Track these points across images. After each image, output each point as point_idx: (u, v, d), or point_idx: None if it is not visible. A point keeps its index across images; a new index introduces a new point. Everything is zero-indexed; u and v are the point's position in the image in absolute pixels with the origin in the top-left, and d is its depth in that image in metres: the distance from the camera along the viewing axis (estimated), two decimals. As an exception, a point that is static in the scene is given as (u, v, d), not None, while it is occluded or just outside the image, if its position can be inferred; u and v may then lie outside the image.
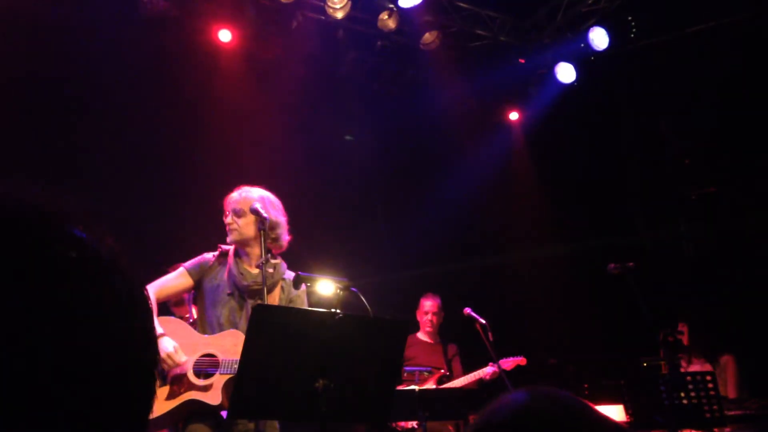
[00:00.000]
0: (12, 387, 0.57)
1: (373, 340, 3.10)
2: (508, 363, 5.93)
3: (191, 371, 3.55)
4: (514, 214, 8.37)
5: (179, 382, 3.56)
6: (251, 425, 3.47)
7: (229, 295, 3.76)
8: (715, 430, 4.44)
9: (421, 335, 6.41)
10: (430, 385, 5.81)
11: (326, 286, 3.36)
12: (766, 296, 6.52)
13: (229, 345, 3.58)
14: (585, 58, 7.63)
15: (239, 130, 6.92)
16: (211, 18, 6.75)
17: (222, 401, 3.49)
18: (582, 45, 7.47)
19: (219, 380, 3.52)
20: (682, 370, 5.45)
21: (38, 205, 0.66)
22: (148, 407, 0.68)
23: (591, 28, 7.40)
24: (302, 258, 4.34)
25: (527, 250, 8.05)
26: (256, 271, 3.78)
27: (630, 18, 7.27)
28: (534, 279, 8.09)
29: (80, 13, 6.04)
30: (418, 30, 7.26)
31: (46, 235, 0.64)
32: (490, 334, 5.73)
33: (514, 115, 8.44)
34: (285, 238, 3.87)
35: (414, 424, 5.46)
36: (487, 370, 5.89)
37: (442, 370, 6.06)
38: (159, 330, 3.57)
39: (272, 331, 2.87)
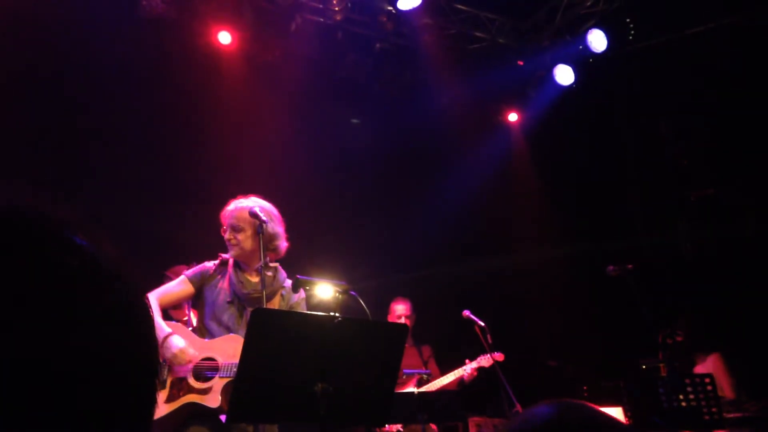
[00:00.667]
0: (13, 392, 0.57)
1: (372, 343, 3.10)
2: (485, 360, 5.93)
3: (191, 374, 3.57)
4: (513, 216, 8.37)
5: (179, 386, 3.58)
6: (250, 428, 3.48)
7: (228, 302, 3.81)
8: (714, 432, 4.44)
9: None
10: (411, 388, 5.80)
11: (325, 290, 3.37)
12: (765, 298, 6.52)
13: (228, 349, 3.60)
14: (583, 60, 7.64)
15: (239, 132, 6.92)
16: (210, 20, 6.75)
17: (221, 404, 3.50)
18: (580, 47, 7.47)
19: (218, 383, 3.54)
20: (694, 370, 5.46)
21: (38, 211, 0.66)
22: (150, 413, 0.69)
23: (589, 30, 7.40)
24: (301, 261, 4.35)
25: (526, 252, 8.06)
26: (255, 279, 3.83)
27: (628, 20, 7.28)
28: (533, 280, 8.09)
29: (79, 14, 6.04)
30: (417, 32, 7.26)
31: (46, 242, 0.65)
32: (489, 336, 5.74)
33: (513, 117, 8.45)
34: (283, 246, 3.91)
35: (399, 426, 5.47)
36: (465, 369, 5.90)
37: (429, 373, 6.06)
38: (167, 330, 3.60)
39: (271, 334, 2.87)
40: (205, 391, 3.54)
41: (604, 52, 7.41)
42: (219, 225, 3.93)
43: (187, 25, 6.66)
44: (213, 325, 3.77)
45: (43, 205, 0.66)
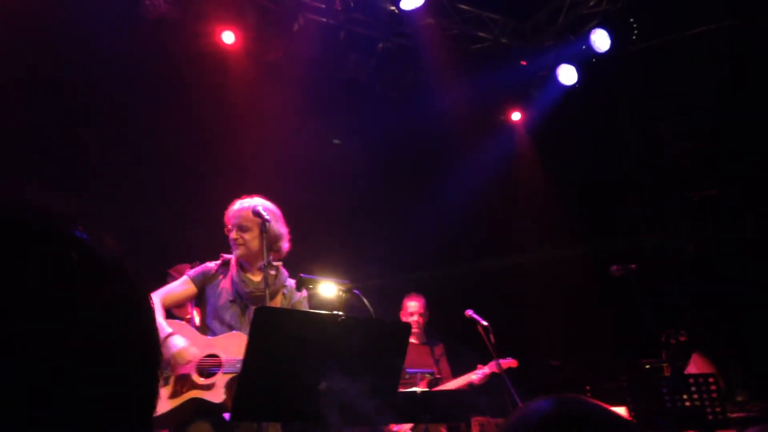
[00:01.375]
0: (14, 388, 0.57)
1: (375, 341, 3.10)
2: (497, 365, 5.89)
3: (194, 371, 3.59)
4: (516, 216, 8.37)
5: (182, 382, 3.60)
6: (253, 426, 3.49)
7: (231, 301, 3.85)
8: (718, 432, 4.43)
9: None
10: (420, 388, 5.79)
11: (328, 289, 3.37)
12: (766, 298, 6.51)
13: (231, 346, 3.63)
14: (587, 60, 7.63)
15: (242, 132, 6.93)
16: (212, 20, 6.75)
17: (225, 400, 3.52)
18: (584, 47, 7.46)
19: (222, 379, 3.57)
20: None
21: (40, 206, 0.66)
22: (151, 407, 0.69)
23: (593, 30, 7.39)
24: (304, 260, 4.35)
25: (529, 252, 8.05)
26: (258, 278, 3.86)
27: (632, 20, 7.27)
28: (536, 280, 8.09)
29: (81, 14, 6.04)
30: (420, 32, 7.26)
31: (48, 237, 0.65)
32: (492, 335, 5.74)
33: (516, 116, 8.43)
34: (285, 247, 3.94)
35: (407, 427, 5.46)
36: (477, 373, 5.86)
37: (432, 372, 6.04)
38: (169, 329, 3.62)
39: (274, 333, 2.87)
40: (208, 387, 3.57)
41: (607, 52, 7.40)
42: (221, 224, 3.95)
43: (190, 25, 6.67)
44: (216, 324, 3.81)
45: (44, 201, 0.65)
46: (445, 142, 7.91)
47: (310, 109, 7.19)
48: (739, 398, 5.62)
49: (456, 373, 6.15)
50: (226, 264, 3.95)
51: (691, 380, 4.35)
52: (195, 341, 3.70)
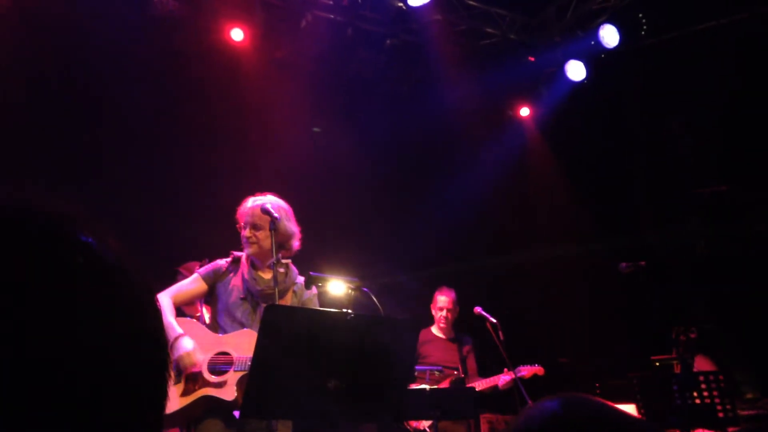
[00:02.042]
0: (20, 391, 0.57)
1: (384, 339, 3.10)
2: (525, 371, 5.86)
3: (206, 368, 3.60)
4: (524, 213, 8.35)
5: (194, 380, 3.62)
6: (263, 423, 3.50)
7: (242, 299, 3.86)
8: (729, 429, 4.41)
9: (435, 330, 6.32)
10: (444, 387, 5.78)
11: (338, 287, 3.37)
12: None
13: (243, 344, 3.64)
14: (595, 56, 7.59)
15: (251, 130, 6.94)
16: (221, 17, 6.76)
17: (237, 397, 3.53)
18: (592, 42, 7.42)
19: (233, 377, 3.59)
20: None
21: (45, 208, 0.66)
22: (160, 409, 0.68)
23: (601, 26, 7.35)
24: (313, 258, 4.35)
25: (537, 250, 8.03)
26: (268, 276, 3.86)
27: (640, 15, 7.23)
28: (544, 278, 8.07)
29: (90, 12, 6.05)
30: (428, 28, 7.25)
31: (52, 240, 0.64)
32: (500, 333, 5.73)
33: (525, 111, 8.38)
34: (296, 245, 3.93)
35: (426, 425, 5.45)
36: (503, 378, 5.81)
37: (456, 371, 6.02)
38: (179, 330, 3.64)
39: (283, 331, 2.87)
40: (220, 385, 3.58)
41: (616, 48, 7.35)
42: (231, 222, 3.95)
43: (199, 22, 6.67)
44: (226, 322, 3.82)
45: (49, 202, 0.65)
46: (454, 138, 7.90)
47: (318, 107, 7.19)
48: (749, 395, 5.59)
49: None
50: (236, 261, 3.96)
51: (701, 378, 4.33)
52: (206, 339, 3.71)
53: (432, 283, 6.56)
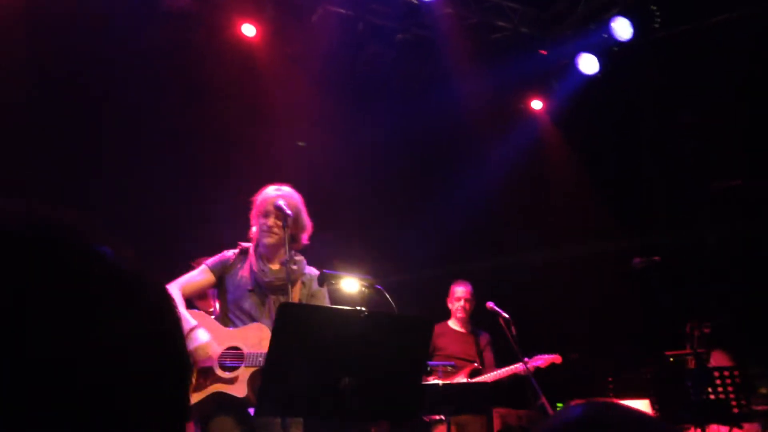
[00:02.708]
0: (40, 403, 0.57)
1: (398, 337, 3.10)
2: (541, 360, 5.84)
3: (216, 364, 3.60)
4: (538, 208, 8.30)
5: (205, 375, 3.61)
6: (277, 420, 3.50)
7: (250, 291, 3.83)
8: (744, 425, 4.40)
9: (452, 323, 6.31)
10: (461, 379, 5.77)
11: (351, 284, 3.37)
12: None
13: (253, 338, 3.63)
14: (608, 49, 7.53)
15: (263, 126, 6.94)
16: (232, 13, 6.76)
17: (248, 394, 3.53)
18: (605, 35, 7.36)
19: (244, 373, 3.57)
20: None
21: (58, 219, 0.66)
22: (183, 418, 0.69)
23: (613, 18, 7.29)
24: (326, 256, 4.35)
25: (549, 245, 8.00)
26: (277, 267, 3.84)
27: (654, 7, 7.16)
28: (555, 272, 8.04)
29: (101, 9, 6.06)
30: (439, 22, 7.22)
31: (70, 251, 0.64)
32: (513, 328, 5.71)
33: (537, 104, 8.33)
34: (306, 240, 3.91)
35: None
36: (519, 367, 5.78)
37: (475, 363, 6.01)
38: (193, 322, 3.63)
39: (298, 329, 2.88)
40: (231, 381, 3.57)
41: (629, 41, 7.29)
42: (244, 217, 3.93)
43: (211, 18, 6.68)
44: (235, 314, 3.81)
45: (63, 212, 0.65)
46: (466, 133, 7.87)
47: (329, 102, 7.17)
48: (764, 390, 5.57)
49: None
50: (244, 252, 3.93)
51: (716, 373, 4.32)
52: (216, 333, 3.70)
53: (443, 280, 6.56)
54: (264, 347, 3.43)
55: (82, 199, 5.74)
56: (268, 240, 3.81)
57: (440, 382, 5.22)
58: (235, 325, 3.78)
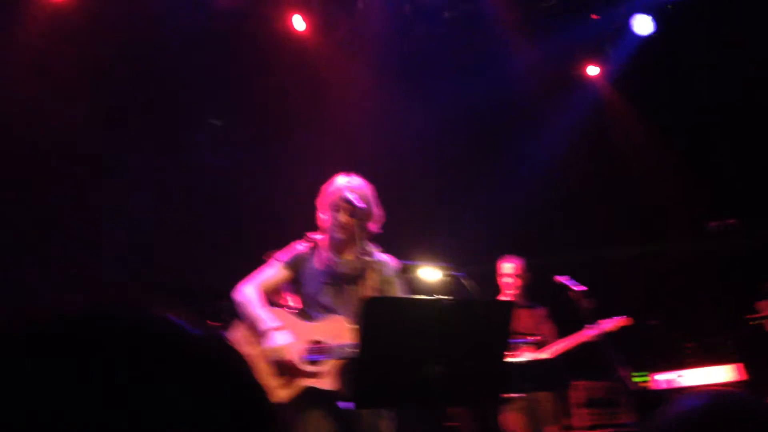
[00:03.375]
0: None
1: (480, 321, 3.11)
2: (610, 323, 5.72)
3: (302, 358, 3.64)
4: (606, 175, 8.07)
5: (291, 371, 3.66)
6: (368, 413, 3.54)
7: (325, 283, 3.82)
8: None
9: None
10: (528, 355, 5.71)
11: (430, 273, 3.39)
12: None
13: (334, 330, 3.65)
14: (662, 8, 7.30)
15: (316, 116, 6.97)
16: (280, 5, 6.80)
17: (336, 386, 3.56)
18: (657, -6, 7.15)
19: (330, 366, 3.59)
20: None
21: (133, 304, 0.69)
22: None
23: (666, -25, 7.07)
24: (401, 245, 4.34)
25: (622, 210, 7.80)
26: (350, 257, 3.83)
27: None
28: (629, 237, 7.83)
29: (156, 8, 6.14)
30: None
31: (173, 339, 0.67)
32: (586, 300, 5.57)
33: (593, 70, 8.14)
34: (377, 228, 3.91)
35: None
36: (587, 333, 5.66)
37: (539, 337, 5.93)
38: (273, 323, 3.68)
39: (384, 321, 2.91)
40: (318, 375, 3.61)
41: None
42: (310, 206, 3.93)
43: (259, 13, 6.72)
44: (313, 307, 3.82)
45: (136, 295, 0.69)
46: (522, 105, 7.73)
47: (382, 86, 7.15)
48: None
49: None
50: (314, 244, 3.93)
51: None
52: (298, 329, 3.74)
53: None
54: (345, 338, 3.47)
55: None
56: (340, 234, 3.80)
57: (519, 359, 5.18)
58: (314, 319, 3.80)
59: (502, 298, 6.15)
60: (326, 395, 3.60)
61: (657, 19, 7.34)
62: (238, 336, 3.78)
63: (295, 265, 3.90)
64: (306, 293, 3.87)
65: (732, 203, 6.75)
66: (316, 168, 4.10)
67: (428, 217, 7.03)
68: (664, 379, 6.39)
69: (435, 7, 7.23)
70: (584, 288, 5.51)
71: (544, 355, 5.72)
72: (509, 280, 6.07)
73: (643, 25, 7.36)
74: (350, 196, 3.75)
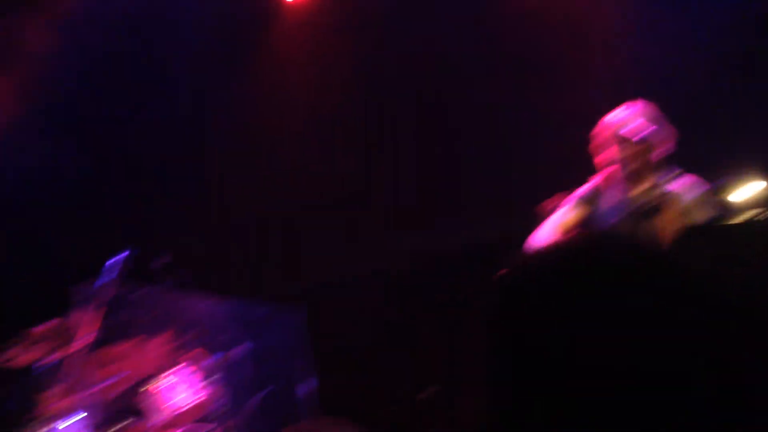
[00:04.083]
0: None
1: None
2: None
3: None
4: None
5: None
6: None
7: (621, 220, 3.65)
8: None
9: None
10: None
11: (741, 191, 3.07)
12: None
13: None
14: None
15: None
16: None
17: None
18: None
19: None
20: None
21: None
22: None
23: None
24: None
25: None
26: (644, 188, 3.62)
27: None
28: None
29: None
30: None
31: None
32: None
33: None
34: (669, 149, 3.64)
35: None
36: None
37: None
38: None
39: (700, 254, 2.69)
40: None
41: None
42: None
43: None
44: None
45: None
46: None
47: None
48: None
49: None
50: (607, 180, 3.76)
51: None
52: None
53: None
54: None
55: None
56: (627, 170, 3.66)
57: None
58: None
59: None
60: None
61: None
62: None
63: (592, 201, 3.78)
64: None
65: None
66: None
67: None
68: None
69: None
70: None
71: None
72: None
73: None
74: (623, 132, 3.56)
